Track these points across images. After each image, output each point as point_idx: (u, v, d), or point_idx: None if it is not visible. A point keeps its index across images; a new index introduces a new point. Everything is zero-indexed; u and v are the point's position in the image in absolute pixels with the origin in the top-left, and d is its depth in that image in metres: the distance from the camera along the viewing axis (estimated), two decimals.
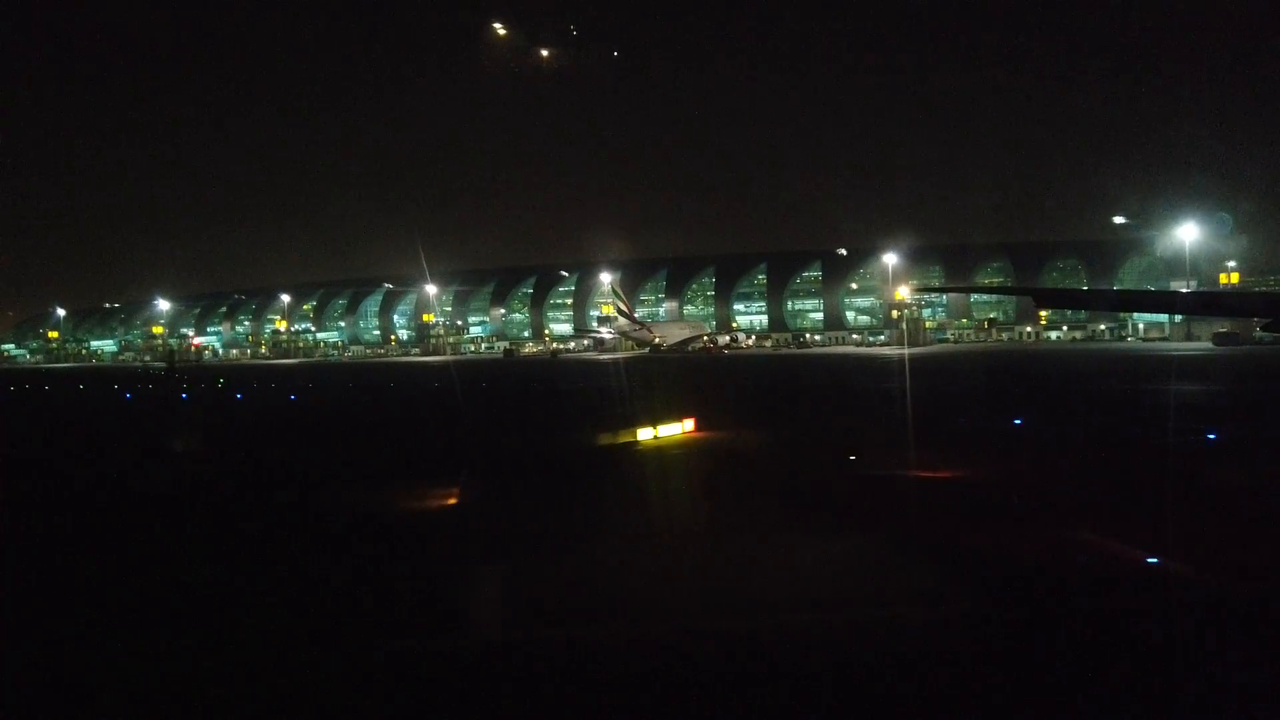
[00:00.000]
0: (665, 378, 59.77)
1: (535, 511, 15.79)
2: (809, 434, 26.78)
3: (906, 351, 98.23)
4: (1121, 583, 10.76)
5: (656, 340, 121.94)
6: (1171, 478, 16.45)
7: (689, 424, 26.07)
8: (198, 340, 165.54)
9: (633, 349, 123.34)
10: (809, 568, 11.67)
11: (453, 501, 16.96)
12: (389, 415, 38.79)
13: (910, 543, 12.70)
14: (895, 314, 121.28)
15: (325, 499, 17.64)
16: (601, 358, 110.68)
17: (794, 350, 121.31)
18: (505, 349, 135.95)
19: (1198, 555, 11.58)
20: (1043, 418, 28.37)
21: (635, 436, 24.15)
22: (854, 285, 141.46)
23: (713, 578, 11.39)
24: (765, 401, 40.59)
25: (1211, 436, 22.69)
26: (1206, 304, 42.94)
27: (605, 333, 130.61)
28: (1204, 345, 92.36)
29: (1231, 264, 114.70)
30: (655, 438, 24.44)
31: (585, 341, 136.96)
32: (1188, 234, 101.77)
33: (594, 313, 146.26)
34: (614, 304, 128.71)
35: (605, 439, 23.82)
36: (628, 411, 28.66)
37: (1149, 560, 11.60)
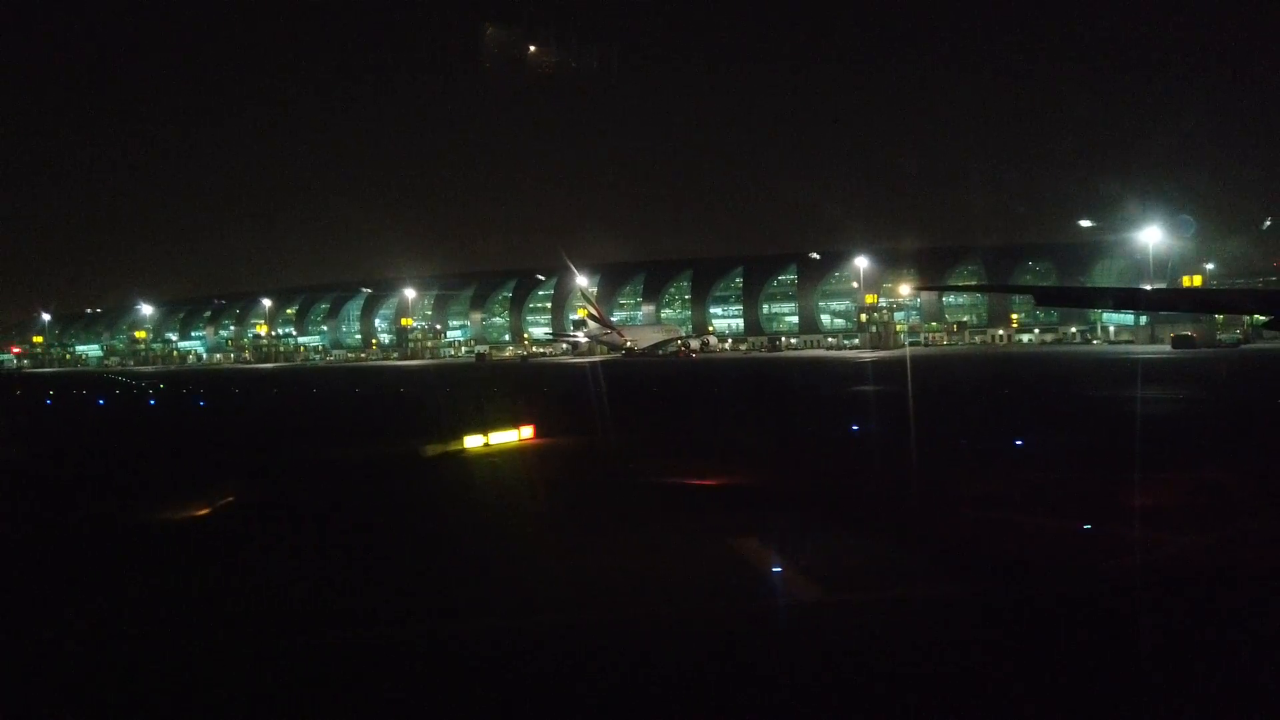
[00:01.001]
0: (596, 382, 60.22)
1: (301, 521, 16.31)
2: (630, 440, 27.21)
3: (871, 355, 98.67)
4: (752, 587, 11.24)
5: (628, 344, 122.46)
6: (923, 483, 16.98)
7: (527, 431, 26.58)
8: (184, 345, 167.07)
9: (606, 353, 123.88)
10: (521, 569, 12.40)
11: (205, 511, 17.39)
12: (238, 420, 40.30)
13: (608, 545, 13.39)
14: (864, 318, 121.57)
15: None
16: (574, 361, 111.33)
17: (764, 354, 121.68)
18: (477, 354, 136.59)
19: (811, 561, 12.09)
20: (894, 423, 28.74)
21: (463, 445, 24.65)
22: (829, 288, 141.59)
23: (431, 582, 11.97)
24: (648, 407, 41.21)
25: (1018, 443, 23.17)
26: (1208, 303, 43.38)
27: (580, 336, 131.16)
28: (1163, 348, 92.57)
29: (1210, 266, 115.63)
30: (485, 445, 24.96)
31: (564, 345, 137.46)
32: (1151, 236, 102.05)
33: (573, 316, 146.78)
34: (585, 308, 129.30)
35: (432, 448, 24.25)
36: (489, 418, 29.04)
37: (776, 570, 12.08)
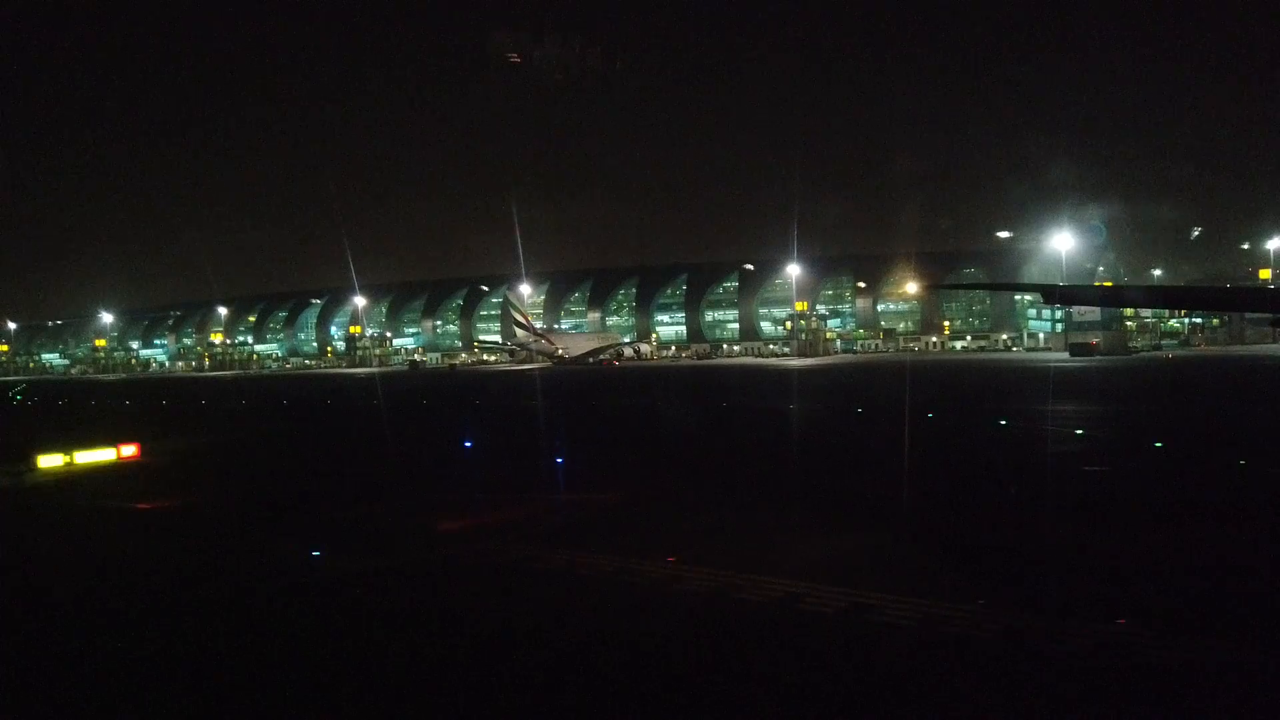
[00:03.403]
0: (438, 393, 61.00)
1: None
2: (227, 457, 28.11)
3: (796, 363, 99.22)
4: None
5: (560, 351, 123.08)
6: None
7: (130, 449, 27.29)
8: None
9: (546, 360, 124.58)
10: None
11: None
12: None
13: None
14: (788, 325, 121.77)
15: None
16: (506, 369, 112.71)
17: (694, 361, 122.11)
18: (409, 362, 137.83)
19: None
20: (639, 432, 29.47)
21: (36, 465, 25.13)
22: (769, 296, 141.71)
23: None
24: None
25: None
26: (1222, 301, 43.72)
27: (510, 344, 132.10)
28: (1061, 355, 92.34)
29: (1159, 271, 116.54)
30: (66, 465, 25.57)
31: (520, 351, 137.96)
32: (1063, 243, 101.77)
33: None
34: (513, 315, 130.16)
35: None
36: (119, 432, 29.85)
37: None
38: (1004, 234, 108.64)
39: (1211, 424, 30.23)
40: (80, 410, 57.36)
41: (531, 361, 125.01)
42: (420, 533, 16.50)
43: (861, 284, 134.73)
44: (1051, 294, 66.61)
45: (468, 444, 30.26)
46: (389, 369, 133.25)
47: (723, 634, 10.44)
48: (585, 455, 26.48)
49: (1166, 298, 52.33)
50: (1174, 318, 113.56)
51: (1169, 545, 13.79)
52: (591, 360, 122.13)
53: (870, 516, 16.36)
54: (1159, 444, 24.51)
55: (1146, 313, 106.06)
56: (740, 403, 45.40)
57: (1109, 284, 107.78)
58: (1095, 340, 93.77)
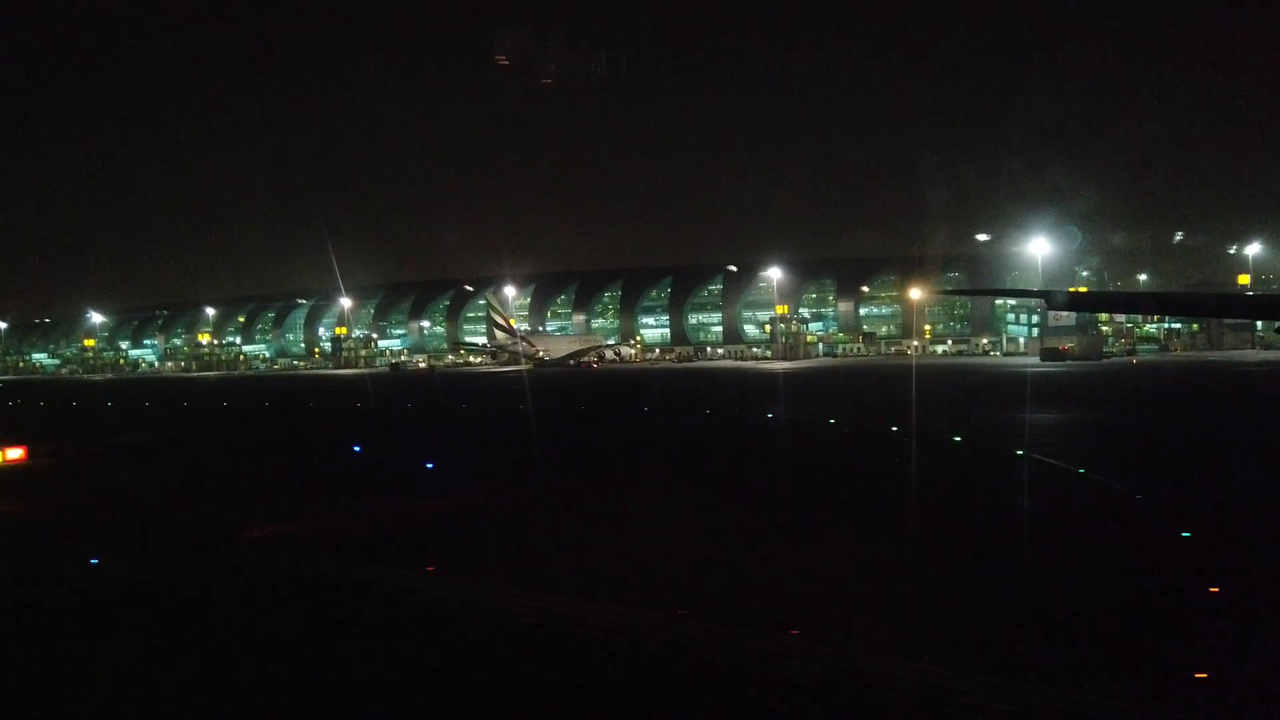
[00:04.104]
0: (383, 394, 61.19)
1: None
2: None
3: (771, 366, 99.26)
4: None
5: (540, 354, 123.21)
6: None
7: (16, 452, 27.58)
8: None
9: (527, 362, 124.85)
10: None
11: None
12: None
13: None
14: (767, 328, 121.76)
15: None
16: (492, 371, 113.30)
17: (673, 364, 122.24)
18: (391, 364, 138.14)
19: None
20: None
21: None
22: (752, 299, 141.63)
23: None
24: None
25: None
26: (1229, 307, 43.91)
27: (490, 346, 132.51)
28: (1034, 360, 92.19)
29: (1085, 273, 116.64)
30: None
31: (501, 353, 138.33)
32: (1039, 248, 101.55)
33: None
34: (493, 317, 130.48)
35: None
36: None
37: None
38: (983, 237, 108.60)
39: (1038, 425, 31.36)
40: (26, 410, 57.80)
41: (516, 363, 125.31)
42: (221, 541, 16.66)
43: (844, 288, 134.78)
44: (1057, 299, 66.62)
45: (357, 449, 30.47)
46: (374, 370, 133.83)
47: (428, 647, 10.56)
48: (468, 460, 26.66)
49: (1174, 303, 51.66)
50: (1150, 323, 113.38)
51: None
52: (572, 362, 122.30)
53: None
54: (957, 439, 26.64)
55: (1122, 317, 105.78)
56: (669, 408, 45.44)
57: (1119, 287, 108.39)
58: (1068, 345, 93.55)
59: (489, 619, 11.50)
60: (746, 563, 14.08)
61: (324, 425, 41.69)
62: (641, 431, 35.21)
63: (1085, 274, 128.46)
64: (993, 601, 11.73)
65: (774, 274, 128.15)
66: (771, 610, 11.51)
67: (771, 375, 78.38)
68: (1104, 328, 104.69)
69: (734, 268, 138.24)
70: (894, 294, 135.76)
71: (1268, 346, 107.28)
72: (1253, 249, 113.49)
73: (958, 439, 27.40)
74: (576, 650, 10.19)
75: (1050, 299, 29.72)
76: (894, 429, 30.34)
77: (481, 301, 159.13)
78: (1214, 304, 41.70)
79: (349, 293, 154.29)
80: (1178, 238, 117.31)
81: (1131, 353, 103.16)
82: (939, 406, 40.01)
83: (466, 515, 18.78)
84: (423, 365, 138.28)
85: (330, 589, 13.15)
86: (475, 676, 9.61)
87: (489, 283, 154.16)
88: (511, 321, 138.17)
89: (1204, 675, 9.10)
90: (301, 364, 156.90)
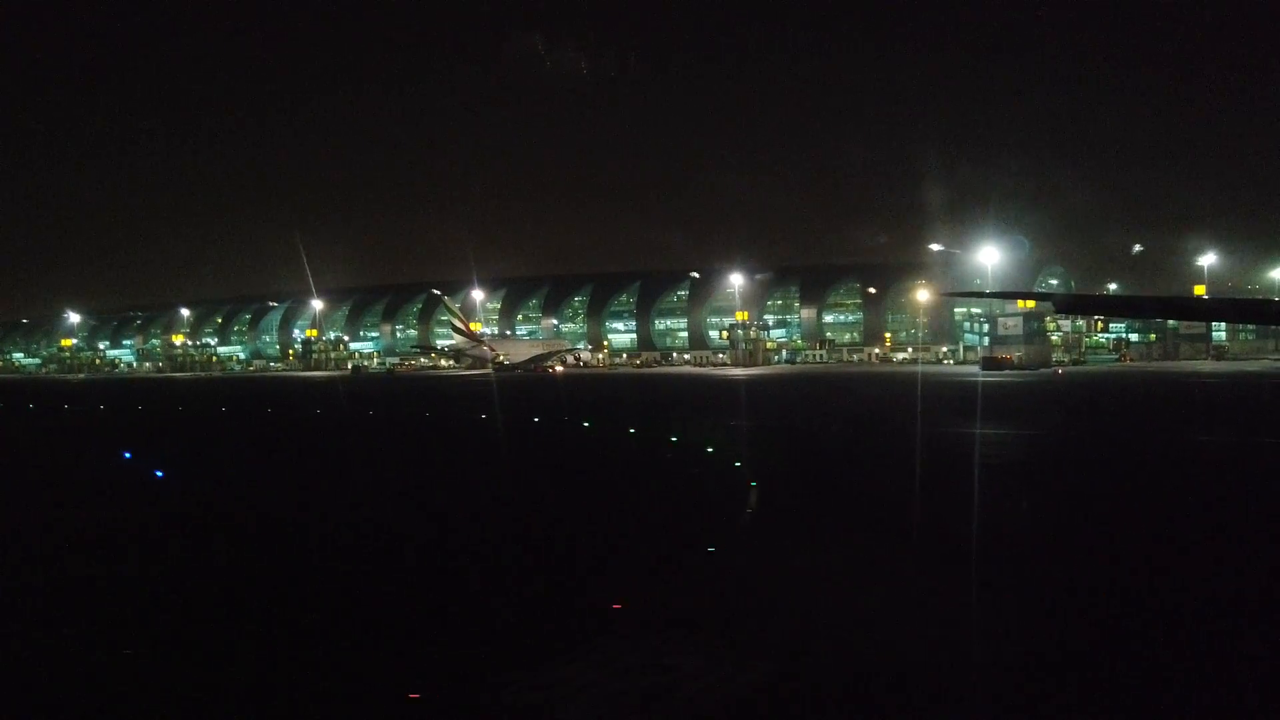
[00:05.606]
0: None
1: None
2: None
3: (727, 372, 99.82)
4: None
5: (500, 358, 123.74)
6: None
7: None
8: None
9: (488, 366, 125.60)
10: None
11: None
12: None
13: None
14: (724, 334, 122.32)
15: None
16: (453, 375, 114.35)
17: (633, 369, 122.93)
18: (352, 366, 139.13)
19: None
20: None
21: None
22: (717, 305, 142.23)
23: None
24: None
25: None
26: (1241, 311, 44.32)
27: (447, 348, 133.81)
28: (973, 369, 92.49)
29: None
30: None
31: (464, 357, 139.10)
32: (989, 256, 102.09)
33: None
34: (451, 321, 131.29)
35: None
36: None
37: None
38: (936, 247, 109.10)
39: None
40: None
41: (483, 366, 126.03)
42: None
43: (808, 295, 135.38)
44: (1060, 302, 66.15)
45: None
46: (341, 373, 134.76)
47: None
48: (274, 466, 27.20)
49: (1177, 308, 51.39)
50: (1102, 333, 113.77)
51: None
52: (534, 367, 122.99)
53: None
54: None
55: (1067, 326, 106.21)
56: (554, 419, 45.82)
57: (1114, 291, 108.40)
58: (1010, 355, 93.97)
59: None
60: None
61: (195, 429, 42.26)
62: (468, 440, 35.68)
63: (1054, 282, 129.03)
64: None
65: (736, 280, 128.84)
66: None
67: (715, 383, 78.22)
68: (1053, 338, 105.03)
69: (696, 274, 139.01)
70: (857, 301, 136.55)
71: (1219, 358, 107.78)
72: (1208, 259, 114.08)
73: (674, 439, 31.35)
74: None
75: (1055, 302, 30.18)
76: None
77: (457, 305, 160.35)
78: (1213, 308, 41.97)
79: (324, 295, 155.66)
80: (1136, 249, 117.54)
81: (1081, 362, 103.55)
82: (772, 411, 41.14)
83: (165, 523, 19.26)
84: (387, 367, 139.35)
85: None
86: None
87: (462, 286, 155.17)
88: (476, 326, 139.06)
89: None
90: (276, 365, 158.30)
